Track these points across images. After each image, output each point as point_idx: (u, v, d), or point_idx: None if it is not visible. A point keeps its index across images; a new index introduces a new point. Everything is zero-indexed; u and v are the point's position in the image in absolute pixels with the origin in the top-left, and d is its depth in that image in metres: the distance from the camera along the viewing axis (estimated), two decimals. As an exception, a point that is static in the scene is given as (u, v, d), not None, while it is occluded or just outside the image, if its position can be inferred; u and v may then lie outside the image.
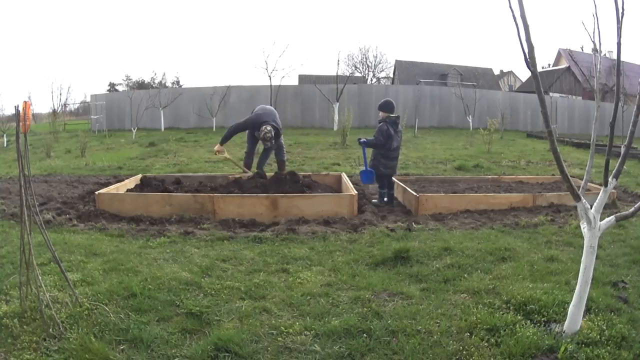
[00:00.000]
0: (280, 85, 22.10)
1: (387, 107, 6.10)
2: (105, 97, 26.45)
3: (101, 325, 2.64)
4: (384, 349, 2.44)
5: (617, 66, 2.29)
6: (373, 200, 6.19)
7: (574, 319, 2.53)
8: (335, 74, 22.59)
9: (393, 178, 6.96)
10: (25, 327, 2.57)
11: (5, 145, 16.62)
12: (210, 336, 2.53)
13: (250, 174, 6.68)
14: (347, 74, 29.28)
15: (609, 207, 5.58)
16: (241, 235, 4.59)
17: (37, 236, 3.49)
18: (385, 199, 6.14)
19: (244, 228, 4.88)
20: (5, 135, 17.13)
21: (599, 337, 2.45)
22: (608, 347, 2.37)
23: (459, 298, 3.09)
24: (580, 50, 32.29)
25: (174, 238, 4.42)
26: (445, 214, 5.45)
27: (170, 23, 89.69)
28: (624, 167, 2.55)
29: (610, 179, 2.46)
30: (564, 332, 2.53)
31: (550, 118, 2.39)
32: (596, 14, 2.46)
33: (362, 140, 6.10)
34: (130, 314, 2.79)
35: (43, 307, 2.57)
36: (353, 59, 49.65)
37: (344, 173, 7.21)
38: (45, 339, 2.48)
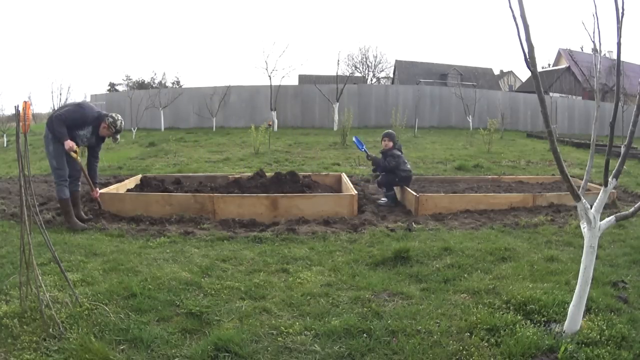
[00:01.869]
0: (280, 85, 22.10)
1: (393, 136, 6.39)
2: (105, 97, 26.46)
3: (101, 325, 2.64)
4: (384, 349, 2.44)
5: (617, 66, 2.29)
6: (379, 201, 6.17)
7: (574, 319, 2.53)
8: (335, 74, 22.59)
9: None
10: (25, 327, 2.57)
11: (5, 145, 16.62)
12: (210, 336, 2.53)
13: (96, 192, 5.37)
14: (347, 74, 29.29)
15: (609, 207, 5.58)
16: (241, 235, 4.59)
17: (37, 236, 3.49)
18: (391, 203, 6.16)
19: (244, 228, 4.88)
20: (5, 135, 17.13)
21: (599, 337, 2.45)
22: (608, 347, 2.37)
23: (459, 298, 3.09)
24: (580, 50, 32.31)
25: (174, 238, 4.42)
26: (445, 214, 5.45)
27: (170, 23, 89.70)
28: (624, 167, 2.55)
29: (610, 179, 2.46)
30: (564, 332, 2.53)
31: (550, 118, 2.39)
32: (596, 14, 2.46)
33: (370, 156, 6.44)
34: (130, 314, 2.79)
35: (43, 307, 2.57)
36: (353, 59, 49.71)
37: (344, 173, 7.21)
38: (45, 339, 2.48)
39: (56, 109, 5.42)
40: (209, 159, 10.65)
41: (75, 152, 4.92)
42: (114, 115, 5.18)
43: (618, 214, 2.55)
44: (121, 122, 5.17)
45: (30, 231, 2.65)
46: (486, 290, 3.17)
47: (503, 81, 50.29)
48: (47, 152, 5.00)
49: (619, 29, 2.24)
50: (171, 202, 5.34)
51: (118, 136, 5.26)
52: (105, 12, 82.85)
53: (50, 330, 2.53)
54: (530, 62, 2.22)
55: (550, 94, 30.30)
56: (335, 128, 20.06)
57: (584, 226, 2.52)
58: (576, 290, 2.52)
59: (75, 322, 2.64)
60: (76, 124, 4.97)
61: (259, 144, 12.03)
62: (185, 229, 4.72)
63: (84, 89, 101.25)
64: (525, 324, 2.64)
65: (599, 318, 2.66)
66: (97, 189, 5.42)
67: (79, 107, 5.13)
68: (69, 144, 4.84)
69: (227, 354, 2.38)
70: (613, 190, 4.90)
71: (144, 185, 6.40)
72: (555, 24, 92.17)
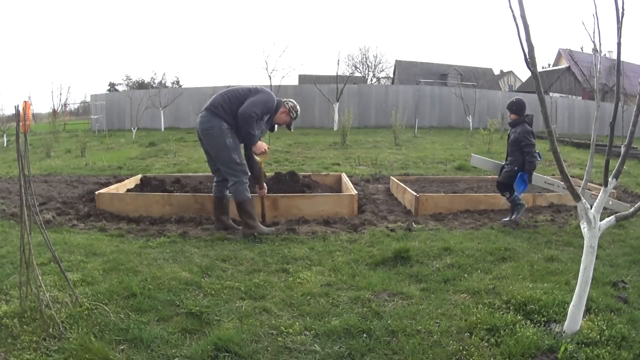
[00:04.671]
0: (280, 85, 22.09)
1: (518, 106, 5.10)
2: (105, 97, 26.49)
3: (101, 325, 2.64)
4: (384, 349, 2.44)
5: (617, 66, 2.29)
6: (504, 220, 5.02)
7: (574, 319, 2.52)
8: (335, 74, 22.60)
9: (391, 177, 6.93)
10: (25, 327, 2.56)
11: (5, 145, 16.62)
12: (210, 336, 2.53)
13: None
14: (347, 74, 29.29)
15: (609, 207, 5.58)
16: (241, 235, 4.58)
17: (37, 236, 3.49)
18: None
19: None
20: (5, 135, 17.12)
21: (599, 337, 2.45)
22: (608, 347, 2.37)
23: (459, 298, 3.08)
24: (580, 50, 32.31)
25: (174, 238, 4.42)
26: (445, 214, 5.45)
27: (170, 23, 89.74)
28: (624, 167, 2.55)
29: (610, 179, 2.46)
30: (564, 332, 2.53)
31: (550, 118, 2.39)
32: (596, 14, 2.46)
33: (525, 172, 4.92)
34: (130, 314, 2.79)
35: (43, 307, 2.57)
36: (353, 59, 49.80)
37: (344, 173, 7.21)
38: (45, 339, 2.48)
39: (233, 99, 4.40)
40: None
41: (265, 152, 4.35)
42: (291, 99, 4.73)
43: (618, 214, 2.55)
44: (299, 108, 4.70)
45: (30, 231, 2.65)
46: (486, 290, 3.17)
47: (503, 81, 50.32)
48: (221, 145, 4.35)
49: (619, 29, 2.23)
50: (171, 202, 5.34)
51: (293, 123, 4.72)
52: (105, 12, 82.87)
53: (50, 330, 2.53)
54: (530, 62, 2.22)
55: (550, 94, 30.31)
56: (335, 128, 20.07)
57: (584, 226, 2.52)
58: (576, 290, 2.52)
59: (75, 322, 2.64)
60: (267, 110, 4.42)
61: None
62: (185, 229, 4.72)
63: (84, 89, 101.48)
64: (525, 324, 2.64)
65: (599, 318, 2.66)
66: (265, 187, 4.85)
67: (267, 94, 4.48)
68: (263, 146, 4.29)
69: (227, 354, 2.38)
70: (613, 190, 4.91)
71: (144, 185, 6.39)
72: (555, 24, 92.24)
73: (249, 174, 4.51)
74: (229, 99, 4.45)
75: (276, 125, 4.79)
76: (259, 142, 4.30)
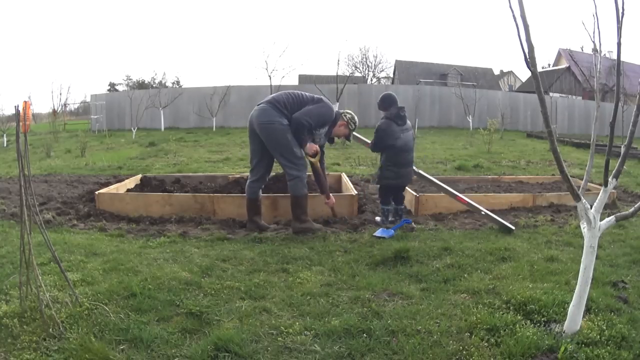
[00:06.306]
0: (280, 85, 22.09)
1: (384, 103, 4.94)
2: (105, 97, 26.46)
3: (101, 325, 2.64)
4: (384, 349, 2.44)
5: (617, 66, 2.29)
6: (376, 218, 5.07)
7: (574, 319, 2.53)
8: (335, 74, 22.57)
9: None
10: (25, 327, 2.57)
11: (5, 145, 16.62)
12: (210, 336, 2.53)
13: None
14: (347, 74, 29.26)
15: (609, 207, 5.58)
16: (241, 235, 4.59)
17: (37, 236, 3.49)
18: (391, 218, 5.02)
19: (244, 228, 4.88)
20: (5, 135, 17.12)
21: (599, 337, 2.45)
22: (608, 347, 2.37)
23: (459, 298, 3.09)
24: (580, 50, 32.29)
25: (174, 238, 4.42)
26: (445, 214, 5.45)
27: (170, 23, 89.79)
28: (624, 167, 2.55)
29: (610, 179, 2.46)
30: (564, 332, 2.53)
31: (550, 118, 2.39)
32: (596, 14, 2.46)
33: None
34: (130, 313, 2.79)
35: (43, 307, 2.57)
36: (353, 59, 49.73)
37: (344, 173, 7.21)
38: (45, 339, 2.48)
39: (284, 102, 4.47)
40: (209, 159, 10.64)
41: (317, 152, 4.52)
42: (349, 111, 4.78)
43: (618, 214, 2.55)
44: (357, 119, 4.76)
45: (30, 231, 2.65)
46: (486, 290, 3.17)
47: (503, 81, 50.29)
48: (284, 141, 4.37)
49: (619, 29, 2.23)
50: (171, 202, 5.33)
51: (353, 133, 4.76)
52: (105, 12, 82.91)
53: (50, 330, 2.53)
54: (530, 62, 2.22)
55: (550, 94, 30.32)
56: (335, 128, 20.05)
57: (584, 226, 2.52)
58: (576, 290, 2.52)
59: (75, 322, 2.64)
60: (322, 122, 4.53)
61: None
62: (185, 229, 4.72)
63: (84, 89, 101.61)
64: (525, 324, 2.64)
65: (599, 318, 2.66)
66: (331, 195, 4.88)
67: (326, 108, 4.55)
68: (314, 147, 4.44)
69: (227, 354, 2.38)
70: (613, 190, 4.90)
71: (144, 185, 6.40)
72: (555, 24, 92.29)
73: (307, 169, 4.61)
74: (292, 100, 4.52)
75: (335, 138, 4.90)
76: (310, 144, 4.48)
